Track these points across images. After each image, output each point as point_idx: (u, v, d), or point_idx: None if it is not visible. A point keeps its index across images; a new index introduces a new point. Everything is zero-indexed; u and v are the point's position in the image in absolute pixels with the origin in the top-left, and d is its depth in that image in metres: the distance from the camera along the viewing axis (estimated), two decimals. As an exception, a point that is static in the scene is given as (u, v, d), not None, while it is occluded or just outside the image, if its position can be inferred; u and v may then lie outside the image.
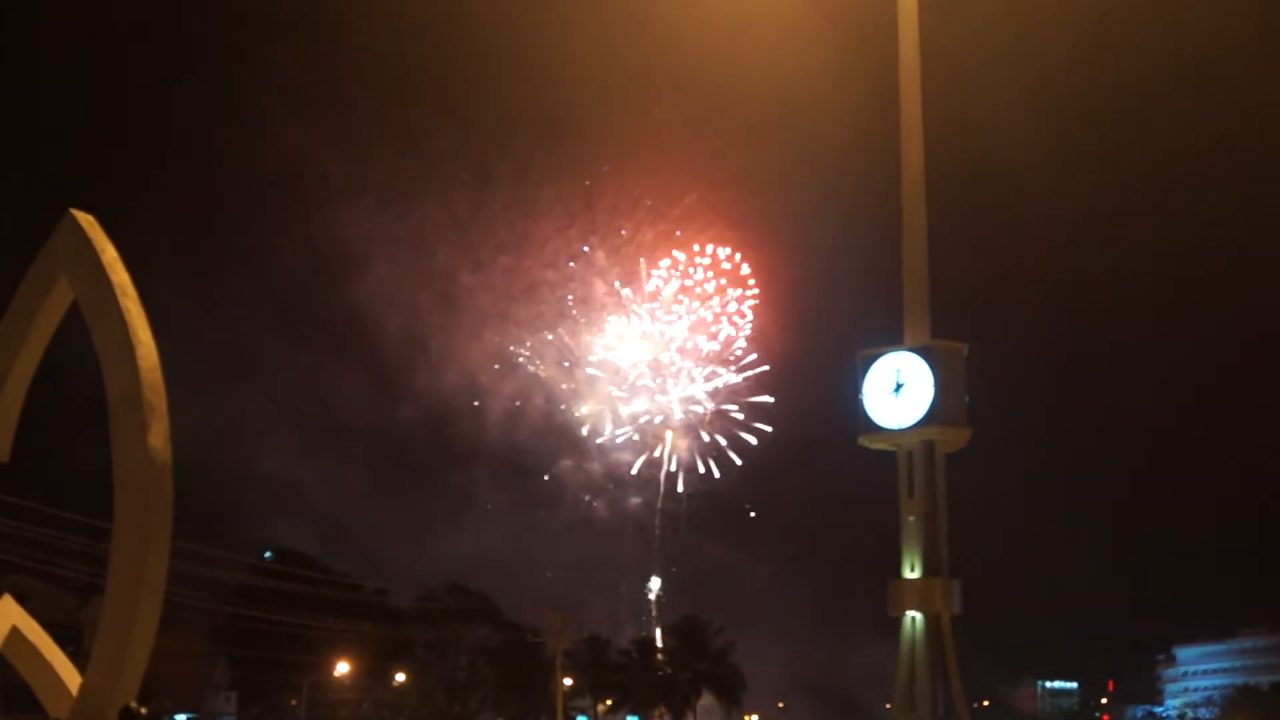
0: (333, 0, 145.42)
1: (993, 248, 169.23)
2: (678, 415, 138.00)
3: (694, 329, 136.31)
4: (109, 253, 21.03)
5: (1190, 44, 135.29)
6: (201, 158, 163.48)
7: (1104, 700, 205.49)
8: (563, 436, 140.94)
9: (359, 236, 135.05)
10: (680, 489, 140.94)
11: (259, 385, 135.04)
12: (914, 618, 56.26)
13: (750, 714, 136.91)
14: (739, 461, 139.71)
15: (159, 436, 19.71)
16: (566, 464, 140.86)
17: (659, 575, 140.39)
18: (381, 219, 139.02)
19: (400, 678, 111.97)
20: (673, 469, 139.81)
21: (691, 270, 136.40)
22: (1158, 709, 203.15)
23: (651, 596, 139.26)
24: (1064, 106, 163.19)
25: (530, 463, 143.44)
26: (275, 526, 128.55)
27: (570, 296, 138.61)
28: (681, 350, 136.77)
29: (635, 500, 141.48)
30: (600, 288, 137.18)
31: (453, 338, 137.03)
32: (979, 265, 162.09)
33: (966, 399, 59.81)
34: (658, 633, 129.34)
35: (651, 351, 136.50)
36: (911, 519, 57.02)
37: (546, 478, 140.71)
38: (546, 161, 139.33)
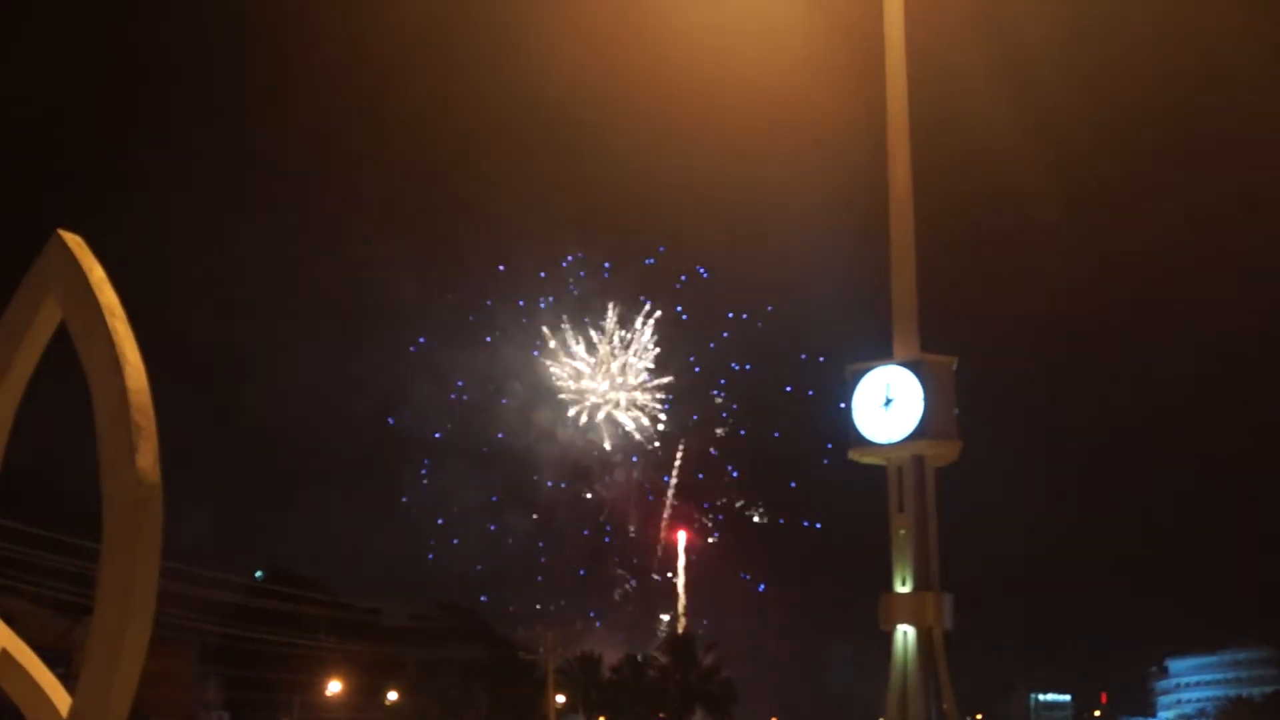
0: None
1: (983, 260, 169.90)
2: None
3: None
4: (96, 273, 21.01)
5: (1180, 53, 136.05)
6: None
7: (1097, 713, 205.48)
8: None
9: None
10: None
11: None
12: (906, 632, 56.14)
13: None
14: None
15: (148, 457, 19.65)
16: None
17: (646, 590, 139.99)
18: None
19: (393, 696, 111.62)
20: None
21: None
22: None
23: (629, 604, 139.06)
24: (1052, 119, 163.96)
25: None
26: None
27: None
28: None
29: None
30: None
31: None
32: (969, 277, 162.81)
33: (956, 412, 59.79)
34: (670, 641, 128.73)
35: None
36: (902, 533, 56.93)
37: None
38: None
